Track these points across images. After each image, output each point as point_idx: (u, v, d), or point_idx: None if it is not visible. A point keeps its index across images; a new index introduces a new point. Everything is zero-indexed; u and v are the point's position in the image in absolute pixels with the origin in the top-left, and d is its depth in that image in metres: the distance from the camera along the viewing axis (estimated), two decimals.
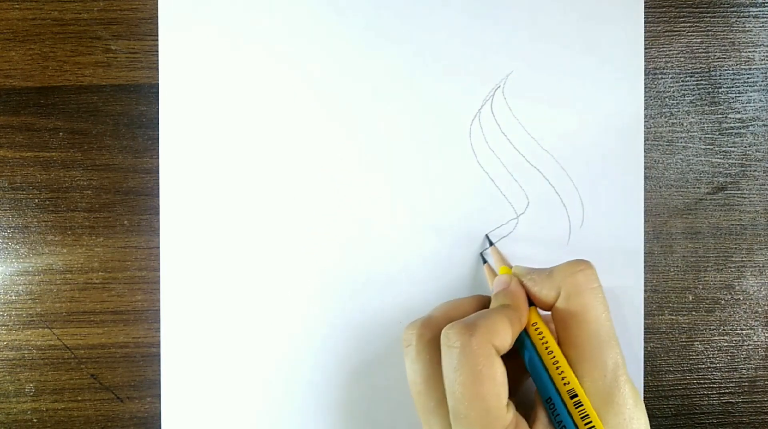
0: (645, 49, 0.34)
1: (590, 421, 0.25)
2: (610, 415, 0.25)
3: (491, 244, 0.33)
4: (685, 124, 0.35)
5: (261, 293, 0.34)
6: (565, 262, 0.28)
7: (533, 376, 0.27)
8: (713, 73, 0.35)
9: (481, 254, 0.34)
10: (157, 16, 0.34)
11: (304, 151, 0.34)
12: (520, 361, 0.28)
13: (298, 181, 0.34)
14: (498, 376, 0.25)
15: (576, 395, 0.25)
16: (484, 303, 0.30)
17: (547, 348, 0.27)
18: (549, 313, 0.28)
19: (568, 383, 0.26)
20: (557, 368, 0.26)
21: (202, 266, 0.34)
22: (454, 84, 0.34)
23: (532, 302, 0.29)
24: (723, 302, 0.35)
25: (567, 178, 0.34)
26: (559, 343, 0.27)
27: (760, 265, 0.35)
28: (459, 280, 0.34)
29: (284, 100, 0.34)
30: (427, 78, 0.34)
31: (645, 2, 0.34)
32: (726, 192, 0.35)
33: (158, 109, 0.34)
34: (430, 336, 0.28)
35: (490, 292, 0.31)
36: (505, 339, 0.26)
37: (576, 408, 0.25)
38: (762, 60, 0.35)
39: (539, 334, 0.27)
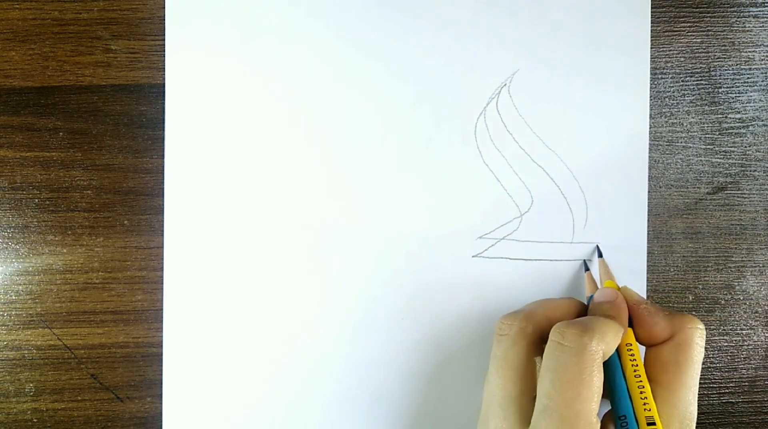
0: None
1: None
2: None
3: (600, 255, 0.33)
4: (685, 124, 0.35)
5: (263, 293, 0.34)
6: (685, 314, 0.29)
7: (613, 392, 0.27)
8: (713, 73, 0.35)
9: (584, 261, 0.34)
10: (158, 16, 0.34)
11: (308, 151, 0.34)
12: None
13: (303, 180, 0.34)
14: (598, 384, 0.25)
15: (654, 423, 0.26)
16: (579, 308, 0.31)
17: (635, 371, 0.27)
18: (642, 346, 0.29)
19: (650, 409, 0.26)
20: (641, 392, 0.27)
21: (205, 266, 0.34)
22: (460, 82, 0.34)
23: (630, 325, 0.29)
24: (723, 302, 0.35)
25: (571, 178, 0.34)
26: (649, 380, 0.28)
27: (760, 265, 0.35)
28: (461, 277, 0.34)
29: (289, 99, 0.34)
30: (433, 76, 0.34)
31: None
32: (726, 192, 0.35)
33: (159, 108, 0.34)
34: (532, 330, 0.28)
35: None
36: (610, 348, 0.27)
37: None
38: (762, 60, 0.35)
39: (631, 355, 0.28)
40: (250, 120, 0.34)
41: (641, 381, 0.27)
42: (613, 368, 0.28)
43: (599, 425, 0.26)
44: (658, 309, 0.29)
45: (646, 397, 0.27)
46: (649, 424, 0.26)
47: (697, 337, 0.28)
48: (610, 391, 0.27)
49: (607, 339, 0.26)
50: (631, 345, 0.28)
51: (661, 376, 0.27)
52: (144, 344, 0.34)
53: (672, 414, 0.27)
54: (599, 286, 0.32)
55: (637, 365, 0.28)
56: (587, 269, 0.33)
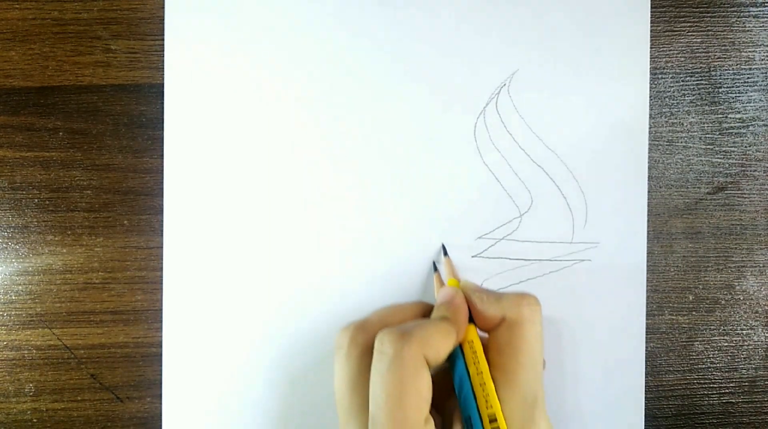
0: None
1: None
2: None
3: (446, 254, 0.33)
4: (685, 124, 0.35)
5: (263, 294, 0.34)
6: (515, 292, 0.29)
7: (458, 392, 0.27)
8: (713, 73, 0.35)
9: (434, 262, 0.34)
10: (158, 16, 0.34)
11: (308, 151, 0.34)
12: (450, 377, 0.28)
13: (302, 181, 0.34)
14: (423, 388, 0.25)
15: (495, 420, 0.26)
16: (425, 310, 0.30)
17: (477, 368, 0.27)
18: (485, 334, 0.29)
19: (491, 407, 0.26)
20: (483, 390, 0.26)
21: (205, 266, 0.34)
22: (459, 82, 0.34)
23: (472, 320, 0.29)
24: (723, 302, 0.35)
25: (571, 177, 0.34)
26: (489, 366, 0.27)
27: (760, 265, 0.35)
28: (461, 277, 0.34)
29: (288, 99, 0.34)
30: (433, 76, 0.34)
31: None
32: (726, 192, 0.35)
33: (158, 108, 0.34)
34: (363, 340, 0.27)
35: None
36: (439, 351, 0.26)
37: None
38: (762, 60, 0.35)
39: (473, 352, 0.28)
40: (250, 120, 0.34)
41: (482, 377, 0.27)
42: (457, 368, 0.27)
43: (430, 427, 0.25)
44: (490, 294, 0.29)
45: (488, 394, 0.26)
46: (491, 420, 0.26)
47: (526, 315, 0.27)
48: (457, 391, 0.27)
49: (432, 342, 0.26)
50: (472, 342, 0.28)
51: (498, 359, 0.27)
52: (144, 344, 0.34)
53: (513, 396, 0.26)
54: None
55: (478, 361, 0.27)
56: (436, 270, 0.33)
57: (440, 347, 0.26)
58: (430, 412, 0.26)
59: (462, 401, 0.27)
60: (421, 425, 0.25)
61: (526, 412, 0.26)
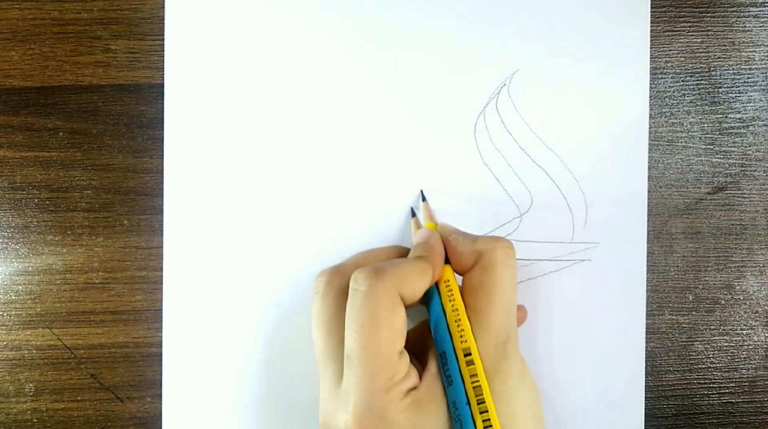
0: None
1: (477, 380, 0.26)
2: (495, 382, 0.26)
3: (424, 199, 0.33)
4: (685, 124, 0.35)
5: (263, 294, 0.34)
6: (490, 236, 0.29)
7: (433, 329, 0.28)
8: (713, 73, 0.35)
9: (412, 208, 0.34)
10: (158, 16, 0.34)
11: (308, 151, 0.34)
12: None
13: (302, 181, 0.34)
14: (396, 323, 0.25)
15: (470, 354, 0.26)
16: (402, 253, 0.31)
17: (453, 306, 0.28)
18: (460, 277, 0.29)
19: (466, 341, 0.26)
20: (458, 326, 0.27)
21: (205, 266, 0.34)
22: (459, 82, 0.34)
23: (448, 261, 0.29)
24: (723, 302, 0.35)
25: (571, 177, 0.34)
26: (466, 307, 0.28)
27: (760, 265, 0.35)
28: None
29: (288, 99, 0.34)
30: (433, 76, 0.34)
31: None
32: (726, 192, 0.35)
33: (158, 108, 0.34)
34: (338, 282, 0.28)
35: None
36: (414, 289, 0.27)
37: (467, 366, 0.26)
38: (762, 60, 0.35)
39: (449, 291, 0.28)
40: (250, 120, 0.34)
41: (458, 314, 0.27)
42: (433, 307, 0.28)
43: (406, 364, 0.26)
44: (466, 237, 0.29)
45: (463, 330, 0.27)
46: (465, 355, 0.26)
47: (499, 256, 0.28)
48: (433, 330, 0.28)
49: (407, 278, 0.26)
50: (448, 281, 0.28)
51: (472, 300, 0.28)
52: (144, 344, 0.34)
53: (486, 334, 0.27)
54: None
55: (453, 299, 0.28)
56: (414, 215, 0.33)
57: (415, 285, 0.27)
58: (412, 351, 0.26)
59: (438, 338, 0.27)
60: (395, 358, 0.25)
61: (499, 349, 0.27)
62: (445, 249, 0.29)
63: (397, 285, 0.26)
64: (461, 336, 0.27)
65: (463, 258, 0.29)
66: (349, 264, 0.29)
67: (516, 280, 0.28)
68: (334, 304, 0.28)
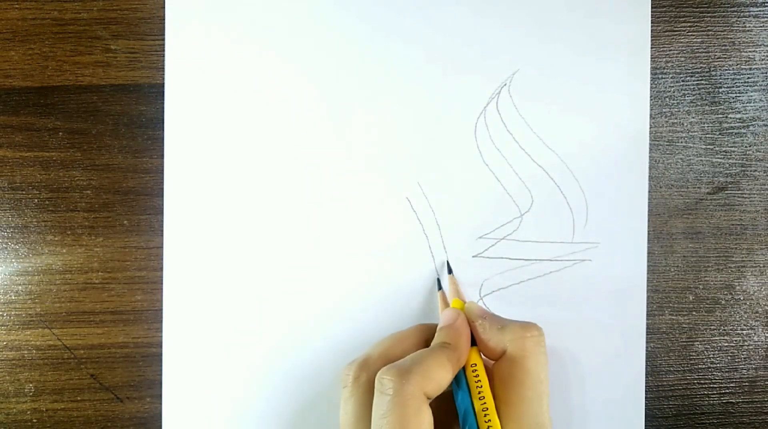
0: None
1: None
2: None
3: (450, 271, 0.33)
4: (685, 124, 0.35)
5: (263, 294, 0.34)
6: (518, 322, 0.28)
7: (461, 416, 0.27)
8: (713, 73, 0.35)
9: (438, 280, 0.33)
10: (158, 16, 0.34)
11: (308, 151, 0.34)
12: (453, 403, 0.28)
13: (302, 181, 0.34)
14: (426, 422, 0.25)
15: None
16: (427, 334, 0.30)
17: (480, 393, 0.27)
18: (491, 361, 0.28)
19: None
20: (485, 415, 0.26)
21: (205, 266, 0.34)
22: (460, 82, 0.34)
23: (474, 342, 0.29)
24: (723, 302, 0.35)
25: (571, 177, 0.34)
26: (493, 395, 0.27)
27: (761, 265, 0.35)
28: (461, 277, 0.34)
29: (289, 99, 0.34)
30: (434, 76, 0.34)
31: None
32: (726, 192, 0.35)
33: (158, 108, 0.34)
34: (366, 378, 0.28)
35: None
36: (441, 383, 0.26)
37: None
38: (762, 60, 0.35)
39: (476, 376, 0.27)
40: (250, 120, 0.34)
41: (485, 403, 0.26)
42: (461, 397, 0.27)
43: None
44: (493, 323, 0.28)
45: (490, 420, 0.26)
46: None
47: (529, 346, 0.27)
48: (461, 421, 0.27)
49: (432, 375, 0.26)
50: (475, 365, 0.28)
51: (502, 392, 0.27)
52: (143, 344, 0.34)
53: None
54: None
55: (481, 385, 0.27)
56: (440, 288, 0.33)
57: (440, 380, 0.26)
58: None
59: (463, 425, 0.27)
60: None
61: None
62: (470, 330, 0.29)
63: (423, 385, 0.25)
64: (488, 425, 0.26)
65: (489, 346, 0.28)
66: (375, 356, 0.29)
67: (548, 366, 0.27)
68: (362, 401, 0.27)
